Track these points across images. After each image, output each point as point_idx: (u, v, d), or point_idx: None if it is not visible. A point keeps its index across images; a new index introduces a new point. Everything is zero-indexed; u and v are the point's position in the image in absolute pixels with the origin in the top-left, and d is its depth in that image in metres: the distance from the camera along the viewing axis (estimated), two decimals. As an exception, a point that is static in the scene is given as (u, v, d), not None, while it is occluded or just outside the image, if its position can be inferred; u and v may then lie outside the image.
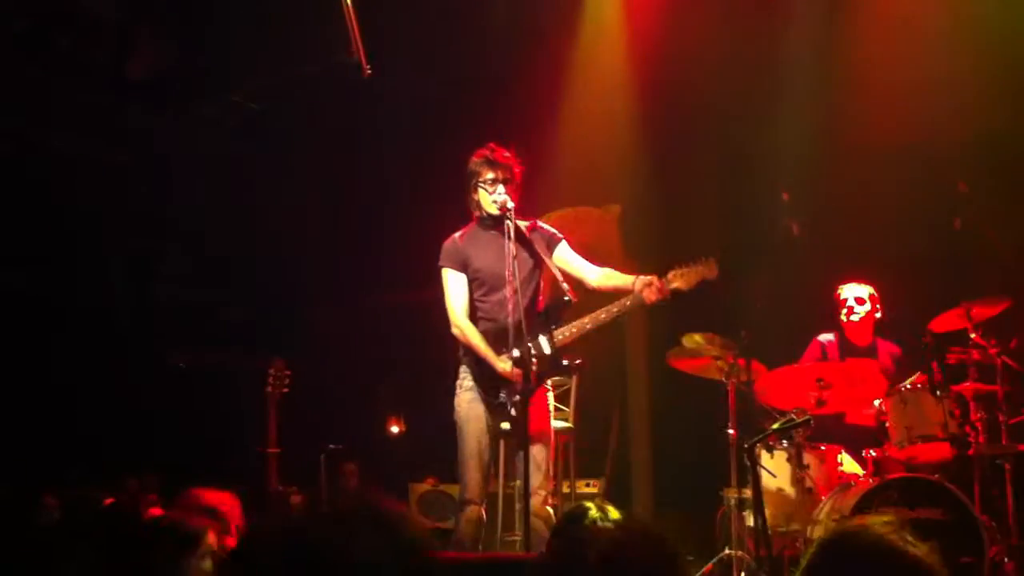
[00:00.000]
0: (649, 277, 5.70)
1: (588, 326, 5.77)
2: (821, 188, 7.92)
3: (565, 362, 5.70)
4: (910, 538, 2.02)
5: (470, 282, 5.96)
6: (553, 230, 6.06)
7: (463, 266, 5.95)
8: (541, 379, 5.77)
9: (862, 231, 8.20)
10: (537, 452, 5.67)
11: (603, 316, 5.76)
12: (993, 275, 7.16)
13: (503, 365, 5.72)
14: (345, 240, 9.27)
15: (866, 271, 7.43)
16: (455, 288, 5.94)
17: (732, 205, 8.40)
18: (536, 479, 5.61)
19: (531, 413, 5.59)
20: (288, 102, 8.47)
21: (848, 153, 8.29)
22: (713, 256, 5.72)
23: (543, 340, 5.72)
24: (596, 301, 5.85)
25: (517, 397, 5.66)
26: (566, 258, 5.99)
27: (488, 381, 5.80)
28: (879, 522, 2.08)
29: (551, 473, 5.76)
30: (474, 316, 5.95)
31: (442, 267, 5.98)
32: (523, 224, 5.93)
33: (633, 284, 5.73)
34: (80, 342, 8.47)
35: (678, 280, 5.68)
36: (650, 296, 5.66)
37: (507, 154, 5.86)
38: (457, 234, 6.04)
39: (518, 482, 5.76)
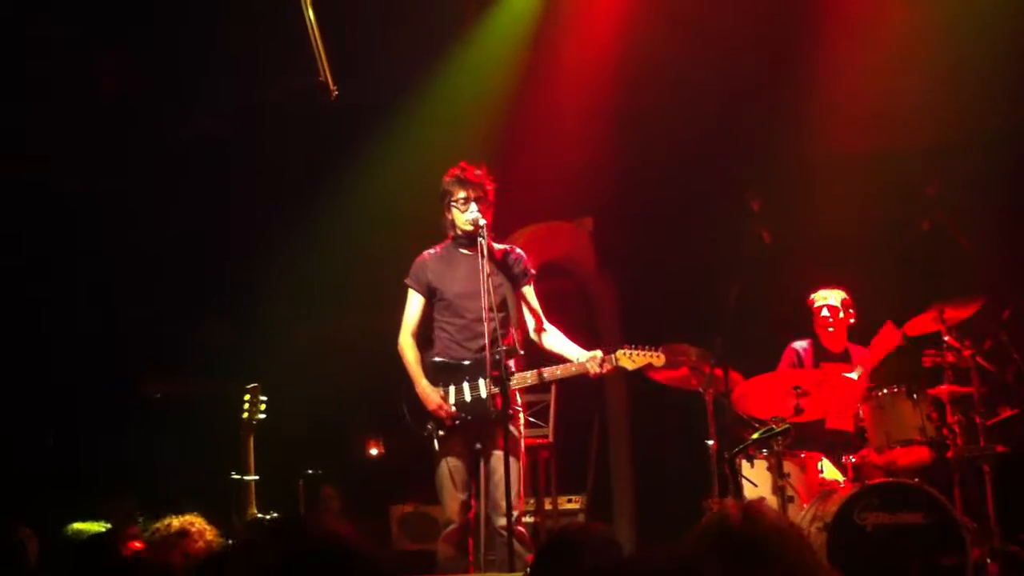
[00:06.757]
0: (596, 352, 5.76)
1: (529, 381, 5.77)
2: (792, 195, 7.94)
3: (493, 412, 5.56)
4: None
5: (435, 304, 5.94)
6: (528, 266, 6.02)
7: (426, 289, 5.95)
8: (463, 422, 5.75)
9: (834, 237, 8.22)
10: (495, 471, 5.63)
11: (545, 376, 5.79)
12: (964, 276, 7.18)
13: (433, 396, 5.72)
14: (319, 261, 9.22)
15: (838, 276, 7.44)
16: (411, 308, 5.98)
17: (704, 215, 8.40)
18: (495, 498, 5.61)
19: (488, 433, 5.65)
20: (257, 125, 8.43)
21: (818, 160, 8.33)
22: (662, 349, 5.81)
23: (482, 383, 5.71)
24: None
25: (442, 433, 5.67)
26: (526, 303, 5.99)
27: (417, 410, 5.79)
28: None
29: (520, 492, 5.67)
30: (435, 339, 5.92)
31: (407, 284, 6.01)
32: (500, 247, 5.94)
33: (578, 357, 5.79)
34: (53, 370, 8.38)
35: (625, 360, 5.74)
36: (594, 369, 5.73)
37: (478, 172, 5.87)
38: (431, 250, 6.03)
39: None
